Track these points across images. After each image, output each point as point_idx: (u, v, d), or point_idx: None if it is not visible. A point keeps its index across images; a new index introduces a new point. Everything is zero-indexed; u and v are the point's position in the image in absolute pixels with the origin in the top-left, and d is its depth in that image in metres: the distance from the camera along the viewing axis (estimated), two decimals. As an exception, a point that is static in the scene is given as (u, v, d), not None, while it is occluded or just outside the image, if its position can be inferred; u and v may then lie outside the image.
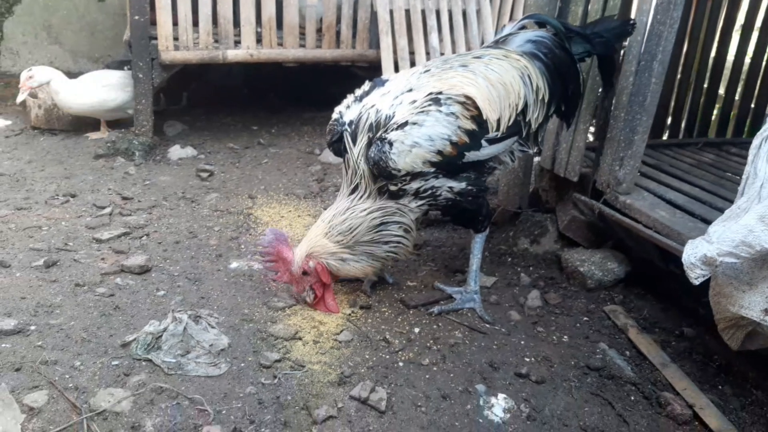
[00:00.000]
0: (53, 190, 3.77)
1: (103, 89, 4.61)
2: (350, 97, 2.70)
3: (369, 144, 2.47)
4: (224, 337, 2.44)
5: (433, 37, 4.62)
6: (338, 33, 4.94)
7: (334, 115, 2.68)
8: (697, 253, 2.08)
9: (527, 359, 2.48)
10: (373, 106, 2.53)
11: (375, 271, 2.74)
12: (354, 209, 2.56)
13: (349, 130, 2.57)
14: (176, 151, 4.54)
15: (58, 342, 2.35)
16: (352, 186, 2.57)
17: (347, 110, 2.64)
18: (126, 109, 4.72)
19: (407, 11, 4.61)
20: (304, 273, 2.61)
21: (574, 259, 3.11)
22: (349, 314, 2.68)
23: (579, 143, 3.13)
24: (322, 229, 2.60)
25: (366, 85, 2.72)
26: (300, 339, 2.48)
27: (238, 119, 5.56)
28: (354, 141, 2.53)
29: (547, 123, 2.89)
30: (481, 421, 2.14)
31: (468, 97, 2.45)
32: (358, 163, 2.51)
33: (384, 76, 2.77)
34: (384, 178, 2.47)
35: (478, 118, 2.46)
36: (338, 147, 2.61)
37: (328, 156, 4.67)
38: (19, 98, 4.57)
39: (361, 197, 2.56)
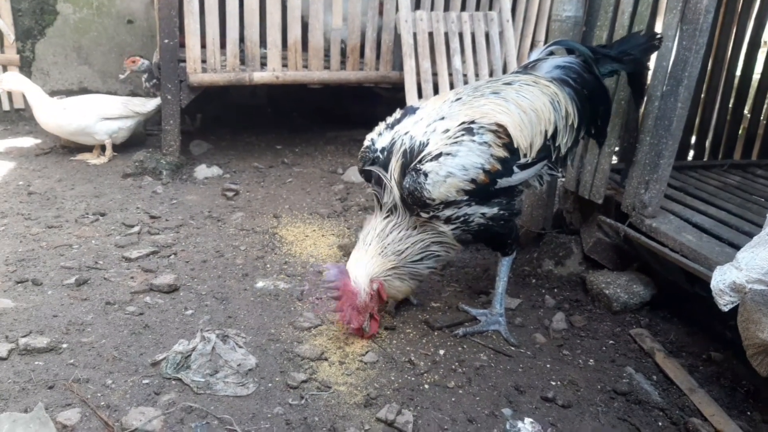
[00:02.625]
0: (83, 209, 3.85)
1: (62, 112, 4.63)
2: (382, 125, 2.74)
3: (402, 169, 2.51)
4: (251, 356, 2.47)
5: (456, 59, 4.67)
6: (362, 55, 5.01)
7: (366, 142, 2.72)
8: (725, 280, 2.08)
9: (553, 383, 2.48)
10: (407, 133, 2.57)
11: (410, 291, 2.78)
12: (402, 231, 2.58)
13: (381, 156, 2.61)
14: (202, 171, 4.62)
15: (89, 360, 2.39)
16: (387, 209, 2.59)
17: (379, 137, 2.68)
18: (92, 134, 4.72)
19: (430, 34, 4.66)
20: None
21: (599, 282, 3.10)
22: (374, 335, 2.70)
23: (604, 166, 3.14)
24: (375, 249, 2.59)
25: (397, 113, 2.76)
26: (326, 360, 2.50)
27: (262, 138, 5.64)
28: (387, 167, 2.57)
29: (577, 146, 2.91)
30: (507, 445, 2.14)
31: (500, 125, 2.48)
32: (391, 188, 2.54)
33: (415, 104, 2.81)
34: (418, 207, 2.50)
35: (509, 145, 2.49)
36: (369, 173, 2.65)
37: (351, 175, 4.72)
38: None
39: (402, 219, 2.58)
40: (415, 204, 2.49)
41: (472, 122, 2.49)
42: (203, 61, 4.55)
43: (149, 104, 4.89)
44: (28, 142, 5.11)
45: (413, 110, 2.71)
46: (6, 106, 5.61)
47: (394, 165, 2.55)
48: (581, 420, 2.28)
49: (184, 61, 4.52)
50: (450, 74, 4.67)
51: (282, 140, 5.62)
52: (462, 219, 2.55)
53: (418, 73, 4.62)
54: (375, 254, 2.59)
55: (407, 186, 2.46)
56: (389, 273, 2.61)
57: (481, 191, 2.49)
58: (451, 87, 4.62)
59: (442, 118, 2.56)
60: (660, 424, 2.30)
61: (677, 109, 2.76)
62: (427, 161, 2.44)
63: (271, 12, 4.58)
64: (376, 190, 2.62)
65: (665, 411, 2.37)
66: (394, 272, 2.62)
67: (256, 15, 4.58)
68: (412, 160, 2.49)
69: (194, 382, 2.28)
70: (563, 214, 3.66)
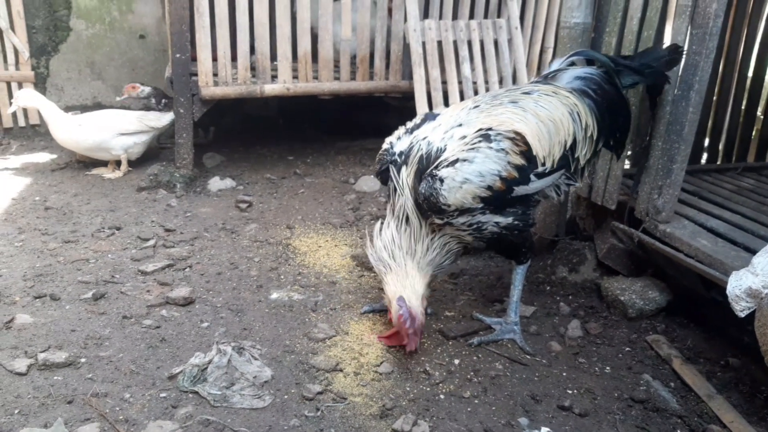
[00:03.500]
0: (99, 223, 3.89)
1: (79, 128, 4.68)
2: (401, 129, 2.77)
3: (418, 174, 2.53)
4: (267, 368, 2.48)
5: (465, 67, 4.68)
6: (372, 65, 5.03)
7: (385, 146, 2.75)
8: (741, 285, 2.07)
9: (570, 391, 2.47)
10: (424, 138, 2.59)
11: None
12: (426, 240, 2.60)
13: (398, 160, 2.63)
14: (216, 183, 4.65)
15: (107, 374, 2.42)
16: (402, 216, 2.61)
17: (398, 141, 2.71)
18: (108, 150, 4.77)
19: (439, 42, 4.68)
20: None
21: (614, 288, 3.09)
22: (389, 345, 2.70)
23: (616, 171, 3.13)
24: (413, 267, 2.59)
25: (417, 119, 2.79)
26: (341, 371, 2.51)
27: (274, 150, 5.67)
28: (404, 171, 2.59)
29: (596, 158, 2.87)
30: (524, 455, 2.13)
31: (517, 133, 2.48)
32: (405, 193, 2.57)
33: (435, 111, 2.83)
34: (433, 213, 2.51)
35: (527, 153, 2.48)
36: (386, 176, 2.68)
37: (363, 185, 4.73)
38: (10, 110, 5.05)
39: (419, 230, 2.59)
40: (431, 210, 2.50)
41: (489, 129, 2.49)
42: (215, 75, 4.59)
43: (164, 119, 4.95)
44: (43, 157, 5.17)
45: (433, 116, 2.74)
46: (22, 122, 5.69)
47: (410, 170, 2.57)
48: (599, 429, 2.27)
49: (196, 74, 4.56)
50: (459, 82, 4.68)
51: (294, 151, 5.65)
52: (475, 227, 2.55)
53: (427, 82, 4.64)
54: (415, 272, 2.60)
55: (423, 191, 2.47)
56: (428, 284, 2.65)
57: (497, 199, 2.49)
58: (461, 95, 4.63)
59: (460, 125, 2.58)
60: (678, 431, 2.29)
61: (689, 113, 2.75)
62: (443, 167, 2.45)
63: (280, 24, 4.61)
64: (392, 193, 2.65)
65: (683, 418, 2.35)
66: (430, 281, 2.67)
67: (266, 28, 4.62)
68: (428, 165, 2.51)
69: (211, 395, 2.30)
70: (576, 220, 3.64)
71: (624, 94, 2.75)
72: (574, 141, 2.61)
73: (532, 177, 2.52)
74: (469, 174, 2.42)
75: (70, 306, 2.90)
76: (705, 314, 3.01)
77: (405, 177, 2.57)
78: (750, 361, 2.68)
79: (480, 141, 2.46)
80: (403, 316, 2.47)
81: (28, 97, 4.78)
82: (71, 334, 2.67)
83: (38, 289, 3.02)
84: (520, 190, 2.52)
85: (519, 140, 2.48)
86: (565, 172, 2.67)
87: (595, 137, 2.69)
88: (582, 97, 2.67)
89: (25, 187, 4.47)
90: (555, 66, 2.87)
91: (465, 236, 2.60)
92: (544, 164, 2.53)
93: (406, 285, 2.57)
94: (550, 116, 2.57)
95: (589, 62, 2.87)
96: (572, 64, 2.86)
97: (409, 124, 2.77)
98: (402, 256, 2.60)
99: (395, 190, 2.62)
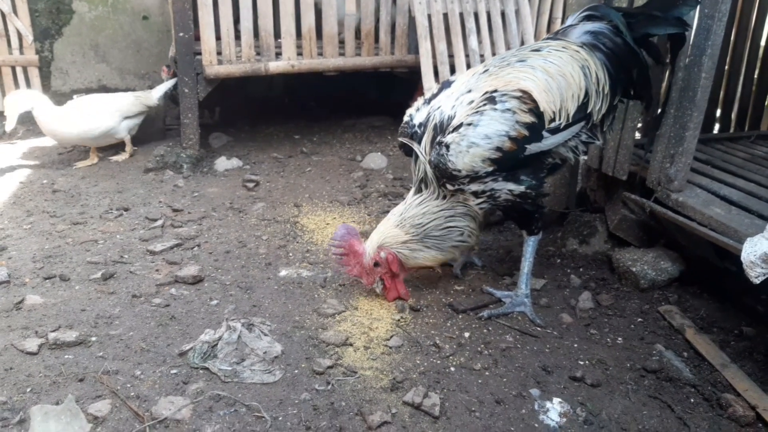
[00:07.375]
0: (107, 205, 3.89)
1: (88, 117, 4.54)
2: (420, 100, 2.81)
3: (432, 143, 2.56)
4: (277, 344, 2.48)
5: (472, 40, 4.61)
6: (377, 40, 4.97)
7: (405, 118, 2.80)
8: (756, 251, 2.03)
9: (581, 362, 2.45)
10: (438, 108, 2.63)
11: (444, 260, 2.87)
12: (427, 205, 2.67)
13: (419, 131, 2.68)
14: (222, 163, 4.64)
15: (118, 352, 2.42)
16: (421, 183, 2.69)
17: (417, 113, 2.76)
18: (114, 135, 4.71)
19: (445, 15, 4.61)
20: (375, 264, 2.71)
21: (626, 259, 3.05)
22: (398, 320, 2.69)
23: (627, 141, 3.08)
24: (394, 221, 2.71)
25: (435, 88, 2.82)
26: (351, 345, 2.50)
27: (280, 129, 5.64)
28: (421, 141, 2.65)
29: (614, 113, 2.81)
30: (536, 425, 2.11)
31: (524, 91, 2.47)
32: (424, 162, 2.62)
33: (451, 78, 2.83)
34: (445, 179, 2.56)
35: (536, 110, 2.47)
36: (409, 148, 2.72)
37: (370, 162, 4.70)
38: (8, 126, 4.59)
39: (431, 194, 2.67)
40: (443, 176, 2.54)
41: (495, 91, 2.49)
42: (219, 53, 4.56)
43: (154, 94, 4.93)
44: (49, 141, 5.14)
45: (448, 84, 2.76)
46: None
47: (426, 139, 2.61)
48: (611, 399, 2.25)
49: (199, 53, 4.53)
50: (466, 55, 4.62)
51: (300, 130, 5.62)
52: (488, 194, 2.58)
53: (434, 56, 4.58)
54: (392, 225, 2.71)
55: (432, 159, 2.52)
56: (404, 243, 2.70)
57: (509, 159, 2.49)
58: (468, 68, 4.57)
59: (469, 91, 2.60)
60: (692, 400, 2.27)
61: (701, 79, 2.69)
62: (449, 133, 2.48)
63: (284, 1, 4.56)
64: (413, 163, 2.71)
65: (697, 387, 2.33)
66: (413, 244, 2.70)
67: (270, 4, 4.56)
68: (439, 133, 2.54)
69: (221, 371, 2.30)
70: (587, 192, 3.60)
71: (634, 47, 2.63)
72: (587, 95, 2.58)
73: (545, 133, 2.51)
74: (474, 137, 2.44)
75: (79, 286, 2.91)
76: (718, 284, 2.97)
77: (423, 146, 2.63)
78: (764, 330, 2.65)
79: (485, 104, 2.47)
80: (334, 234, 2.69)
81: (26, 99, 4.49)
82: (81, 313, 2.68)
83: (48, 270, 3.02)
84: (533, 147, 2.51)
85: (526, 98, 2.47)
86: (584, 129, 2.64)
87: (607, 91, 2.64)
88: (592, 50, 2.62)
89: (32, 171, 4.48)
90: (569, 22, 2.81)
91: (478, 204, 2.63)
92: (554, 119, 2.51)
93: (378, 231, 2.73)
94: (559, 71, 2.54)
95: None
96: (587, 18, 2.76)
97: (428, 95, 2.80)
98: (398, 210, 2.73)
99: (416, 160, 2.68)
